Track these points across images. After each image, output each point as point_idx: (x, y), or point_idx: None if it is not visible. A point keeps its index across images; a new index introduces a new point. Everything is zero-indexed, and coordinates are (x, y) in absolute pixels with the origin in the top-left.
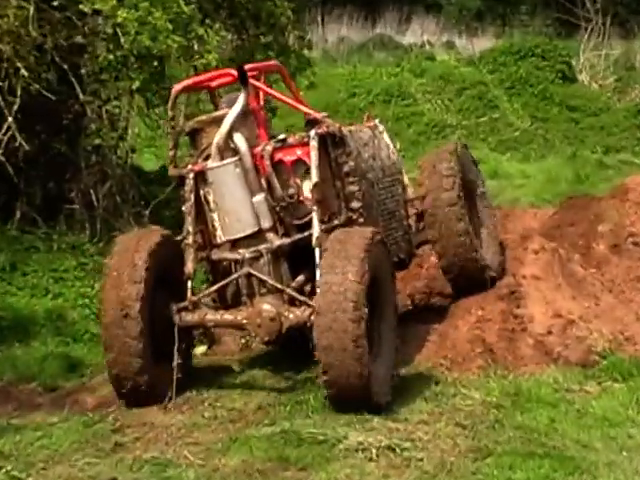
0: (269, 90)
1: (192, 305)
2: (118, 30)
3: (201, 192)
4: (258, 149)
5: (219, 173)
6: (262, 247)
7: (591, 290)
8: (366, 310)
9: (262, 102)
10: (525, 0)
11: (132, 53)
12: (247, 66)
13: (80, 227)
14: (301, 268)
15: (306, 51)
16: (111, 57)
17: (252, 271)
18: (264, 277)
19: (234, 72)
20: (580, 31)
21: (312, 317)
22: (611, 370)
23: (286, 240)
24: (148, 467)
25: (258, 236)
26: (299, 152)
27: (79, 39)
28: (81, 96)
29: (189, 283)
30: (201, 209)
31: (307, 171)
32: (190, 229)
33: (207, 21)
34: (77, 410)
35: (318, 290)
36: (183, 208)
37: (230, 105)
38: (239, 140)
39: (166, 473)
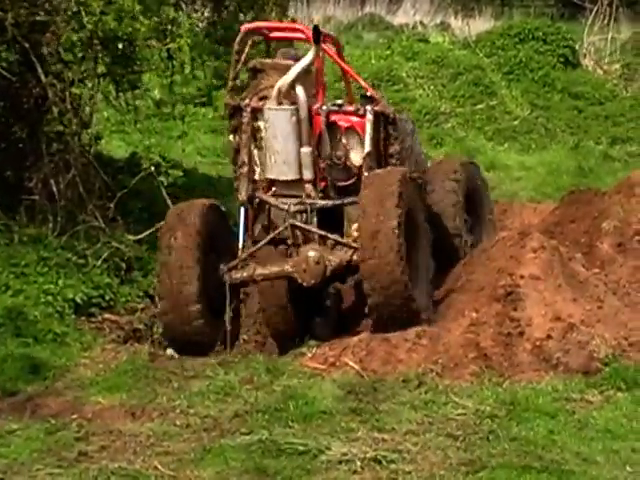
0: (335, 57)
1: (241, 263)
2: (82, 9)
3: (254, 128)
4: (315, 106)
5: (276, 116)
6: (307, 201)
7: (594, 292)
8: (402, 240)
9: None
10: None
11: (97, 34)
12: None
13: (42, 219)
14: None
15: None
16: (74, 37)
17: (297, 223)
18: (307, 227)
19: (305, 30)
20: (585, 13)
21: (354, 257)
22: (614, 378)
23: (329, 202)
24: (115, 478)
25: (297, 184)
26: (354, 120)
27: (41, 16)
28: (43, 78)
29: (241, 218)
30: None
31: (358, 140)
32: (245, 160)
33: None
34: (38, 416)
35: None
36: (235, 139)
37: (287, 57)
38: (300, 92)
39: None
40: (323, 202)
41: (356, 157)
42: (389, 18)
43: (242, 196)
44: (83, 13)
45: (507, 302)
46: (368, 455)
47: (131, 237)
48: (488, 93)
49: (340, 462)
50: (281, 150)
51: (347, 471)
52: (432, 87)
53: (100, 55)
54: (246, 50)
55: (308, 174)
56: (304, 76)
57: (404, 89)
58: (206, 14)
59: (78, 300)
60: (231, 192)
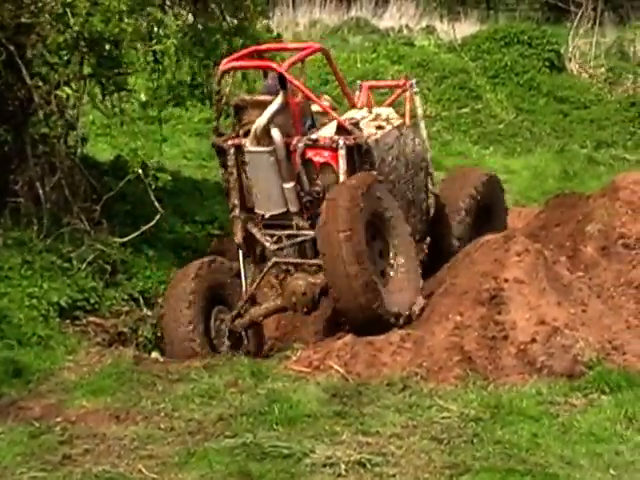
0: (305, 90)
1: (243, 310)
2: (68, 10)
3: (240, 164)
4: (293, 142)
5: (255, 157)
6: (285, 234)
7: (578, 295)
8: (358, 247)
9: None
10: None
11: (83, 36)
12: (289, 61)
13: (27, 222)
14: None
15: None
16: (60, 39)
17: (278, 260)
18: (288, 260)
19: (278, 68)
20: (570, 17)
21: None
22: (598, 382)
23: (309, 234)
24: None
25: (286, 216)
26: (327, 155)
27: (26, 18)
28: (28, 80)
29: (241, 260)
30: (241, 178)
31: (333, 174)
32: (236, 202)
33: (167, 2)
34: (22, 419)
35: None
36: (227, 178)
37: (270, 92)
38: (275, 134)
39: None
40: (302, 237)
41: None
42: (375, 22)
43: (238, 238)
44: (69, 14)
45: (491, 306)
46: (352, 458)
47: (116, 240)
48: (473, 97)
49: (324, 465)
50: (264, 187)
51: (331, 474)
52: (417, 90)
53: (86, 57)
54: (225, 89)
55: (294, 207)
56: (279, 115)
57: (389, 92)
58: (189, 18)
59: (63, 303)
60: (215, 196)
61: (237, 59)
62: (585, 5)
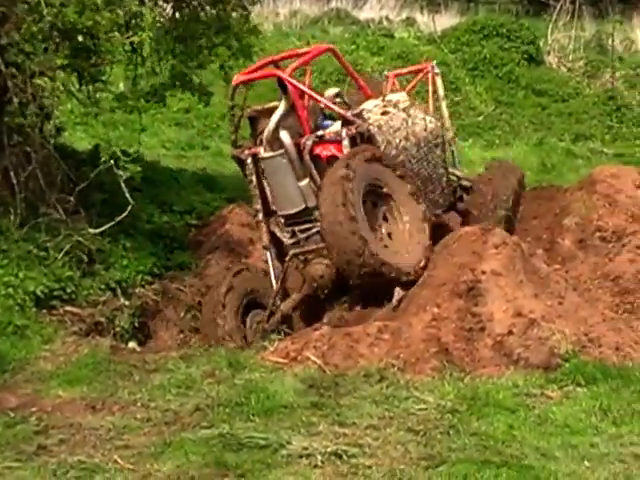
0: (307, 90)
1: (274, 308)
2: (41, 0)
3: (259, 171)
4: (302, 141)
5: (269, 162)
6: (299, 228)
7: (555, 288)
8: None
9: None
10: None
11: (56, 26)
12: (291, 66)
13: (3, 211)
14: None
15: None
16: (34, 28)
17: (295, 251)
18: (303, 249)
19: (278, 74)
20: (549, 10)
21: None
22: (574, 374)
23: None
24: (74, 472)
25: (305, 212)
26: (333, 149)
27: (1, 7)
28: (3, 69)
29: (269, 258)
30: (261, 184)
31: None
32: (258, 207)
33: None
34: None
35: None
36: (248, 186)
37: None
38: (284, 136)
39: (94, 479)
40: (317, 226)
41: None
42: (355, 13)
43: (264, 241)
44: (43, 4)
45: (469, 297)
46: (329, 449)
47: (93, 230)
48: (452, 89)
49: (301, 456)
50: (282, 189)
51: (308, 465)
52: (397, 82)
53: (60, 47)
54: (239, 102)
55: (311, 202)
56: (286, 119)
57: (369, 84)
58: (168, 10)
59: (39, 293)
60: (193, 186)
61: (250, 72)
62: None
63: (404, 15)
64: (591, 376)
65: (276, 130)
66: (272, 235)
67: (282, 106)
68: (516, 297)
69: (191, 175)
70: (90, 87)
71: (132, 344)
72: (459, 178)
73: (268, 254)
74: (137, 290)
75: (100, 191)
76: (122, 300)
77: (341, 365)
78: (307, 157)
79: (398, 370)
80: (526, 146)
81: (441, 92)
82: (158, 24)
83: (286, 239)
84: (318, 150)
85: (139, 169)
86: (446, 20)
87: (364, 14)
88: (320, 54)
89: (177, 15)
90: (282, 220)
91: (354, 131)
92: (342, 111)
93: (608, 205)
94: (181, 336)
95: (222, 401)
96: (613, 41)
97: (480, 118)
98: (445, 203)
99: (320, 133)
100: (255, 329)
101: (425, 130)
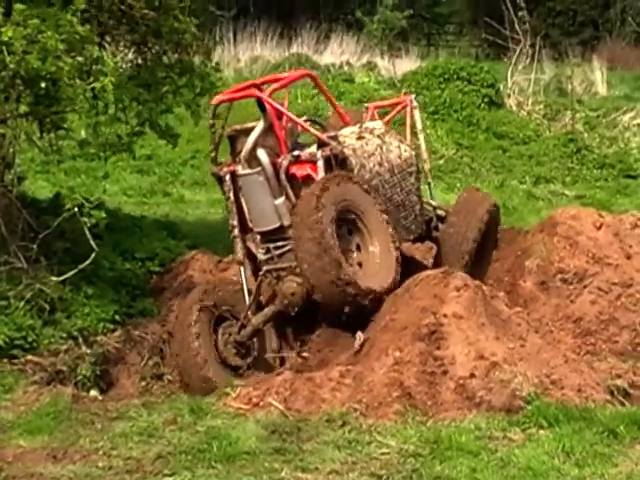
0: (285, 111)
1: (246, 321)
2: (4, 48)
3: (236, 189)
4: (278, 160)
5: (246, 180)
6: (275, 252)
7: (516, 330)
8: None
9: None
10: (452, 19)
11: (19, 74)
12: (271, 88)
13: None
14: None
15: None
16: None
17: (268, 267)
18: (277, 266)
19: (257, 94)
20: (509, 53)
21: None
22: (536, 416)
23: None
24: None
25: (280, 230)
26: (309, 169)
27: None
28: None
29: (242, 276)
30: (238, 201)
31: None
32: (234, 223)
33: (106, 38)
34: None
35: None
36: (225, 203)
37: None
38: (261, 155)
39: None
40: (288, 247)
41: None
42: (316, 58)
43: (238, 257)
44: (5, 52)
45: (431, 341)
46: None
47: (55, 278)
48: (414, 132)
49: None
50: (258, 206)
51: None
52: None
53: (23, 95)
54: (218, 121)
55: (286, 221)
56: (265, 137)
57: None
58: (130, 56)
59: (0, 342)
60: (155, 232)
61: (230, 93)
62: (523, 42)
63: (364, 60)
64: (553, 418)
65: (254, 148)
66: (248, 251)
67: (260, 125)
68: (478, 340)
69: (153, 222)
70: (52, 135)
71: (94, 392)
72: (434, 207)
73: (242, 269)
74: (99, 338)
75: (61, 239)
76: (84, 348)
77: (303, 410)
78: (283, 176)
79: (360, 415)
80: (487, 189)
81: (419, 125)
82: (120, 69)
83: (261, 255)
84: (294, 169)
85: (104, 215)
86: (406, 64)
87: (325, 59)
88: (299, 78)
89: (139, 60)
90: (258, 237)
91: (329, 152)
92: (317, 133)
93: (569, 247)
94: (143, 383)
95: (184, 448)
96: (573, 83)
97: (441, 161)
98: (417, 230)
99: (296, 153)
100: (226, 340)
101: (399, 158)
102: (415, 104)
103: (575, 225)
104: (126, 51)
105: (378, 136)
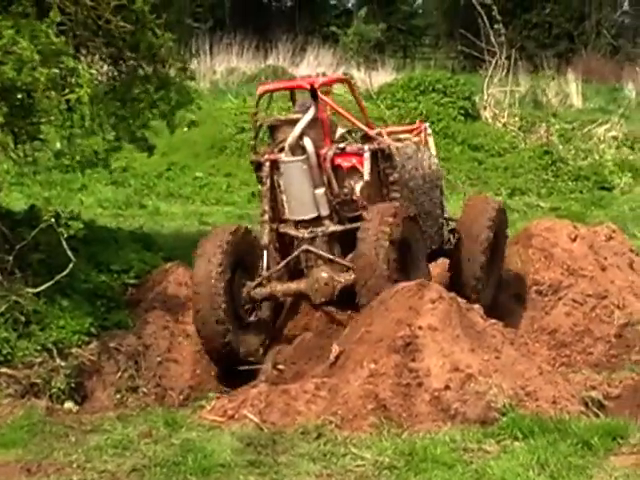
0: (333, 105)
1: (266, 280)
2: None
3: (275, 177)
4: (323, 151)
5: (290, 166)
6: (318, 230)
7: (491, 342)
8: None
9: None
10: (428, 31)
11: None
12: (318, 83)
13: None
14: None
15: (192, 83)
16: None
17: (310, 248)
18: (319, 252)
19: (307, 86)
20: (485, 65)
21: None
22: (511, 428)
23: (339, 227)
24: None
25: (317, 221)
26: (354, 160)
27: None
28: None
29: (265, 256)
30: (274, 190)
31: (360, 176)
32: (266, 208)
33: (82, 50)
34: None
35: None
36: (263, 189)
37: (302, 109)
38: (307, 143)
39: None
40: (332, 228)
41: (358, 191)
42: (292, 70)
43: (264, 241)
44: None
45: (406, 353)
46: None
47: (30, 290)
48: None
49: None
50: (298, 194)
51: None
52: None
53: None
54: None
55: (324, 211)
56: (311, 127)
57: None
58: (105, 68)
59: None
60: (131, 244)
61: (276, 84)
62: (499, 54)
63: (340, 72)
64: (528, 430)
65: (300, 137)
66: (278, 237)
67: (309, 115)
68: (453, 352)
69: (128, 234)
70: (27, 146)
71: (68, 405)
72: (448, 221)
73: (265, 253)
74: (74, 350)
75: (37, 251)
76: (58, 361)
77: (278, 423)
78: (328, 165)
79: (336, 427)
80: (462, 201)
81: (433, 151)
82: (96, 82)
83: (305, 234)
84: (339, 160)
85: (82, 226)
86: (382, 76)
87: (301, 71)
88: (339, 81)
89: (115, 73)
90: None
91: (376, 146)
92: (365, 127)
93: (544, 259)
94: (118, 396)
95: (159, 461)
96: (548, 96)
97: None
98: (438, 242)
99: (342, 145)
100: (239, 288)
101: (430, 168)
102: (429, 131)
103: (550, 237)
104: (102, 63)
105: (414, 143)
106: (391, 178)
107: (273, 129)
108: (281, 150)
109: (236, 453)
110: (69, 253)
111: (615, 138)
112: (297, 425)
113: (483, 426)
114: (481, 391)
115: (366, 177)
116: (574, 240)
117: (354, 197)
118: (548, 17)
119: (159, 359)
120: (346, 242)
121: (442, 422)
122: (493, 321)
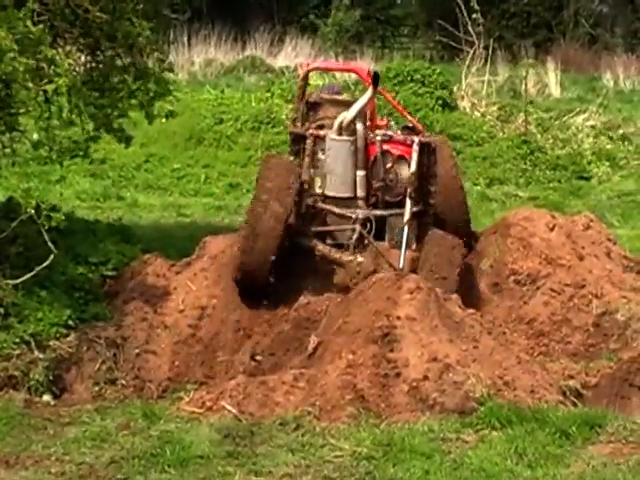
0: (387, 95)
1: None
2: None
3: (316, 152)
4: (370, 136)
5: (337, 145)
6: (371, 214)
7: (469, 332)
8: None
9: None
10: (406, 21)
11: None
12: (367, 70)
13: None
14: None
15: (170, 74)
16: None
17: (363, 231)
18: (367, 236)
19: (360, 72)
20: (463, 55)
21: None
22: (489, 417)
23: (385, 212)
24: None
25: (351, 200)
26: (402, 149)
27: None
28: None
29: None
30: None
31: (407, 165)
32: (306, 178)
33: (59, 41)
34: None
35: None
36: (294, 160)
37: (332, 92)
38: (359, 126)
39: None
40: (379, 213)
41: (404, 179)
42: (270, 61)
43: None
44: None
45: (384, 343)
46: None
47: (8, 282)
48: None
49: None
50: (340, 173)
51: None
52: None
53: None
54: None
55: (361, 192)
56: (362, 111)
57: (283, 131)
58: (83, 59)
59: None
60: (109, 237)
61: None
62: (477, 44)
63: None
64: (506, 419)
65: (354, 119)
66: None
67: (364, 98)
68: (431, 342)
69: (106, 226)
70: (5, 137)
71: (47, 397)
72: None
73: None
74: (52, 343)
75: (15, 244)
76: (36, 353)
77: (257, 414)
78: (378, 150)
79: (314, 418)
80: None
81: None
82: (74, 72)
83: (354, 214)
84: (388, 147)
85: (63, 218)
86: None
87: (279, 62)
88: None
89: (93, 64)
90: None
91: (425, 140)
92: (414, 120)
93: (522, 248)
94: (96, 388)
95: (137, 453)
96: (526, 85)
97: None
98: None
99: (390, 133)
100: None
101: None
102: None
103: (528, 226)
104: (79, 54)
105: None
106: (432, 171)
107: (314, 106)
108: (319, 127)
109: (214, 444)
110: (50, 245)
111: (593, 127)
112: (275, 416)
113: (461, 416)
114: (459, 381)
115: (413, 167)
116: (552, 230)
117: (398, 184)
118: (526, 6)
119: (137, 351)
120: (378, 224)
121: (420, 412)
122: (471, 311)
